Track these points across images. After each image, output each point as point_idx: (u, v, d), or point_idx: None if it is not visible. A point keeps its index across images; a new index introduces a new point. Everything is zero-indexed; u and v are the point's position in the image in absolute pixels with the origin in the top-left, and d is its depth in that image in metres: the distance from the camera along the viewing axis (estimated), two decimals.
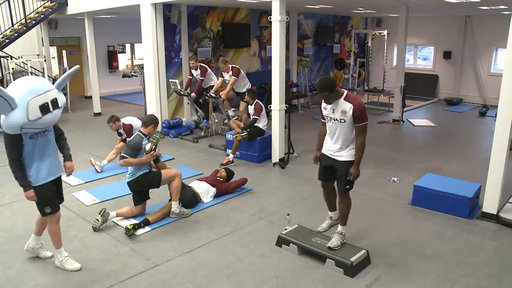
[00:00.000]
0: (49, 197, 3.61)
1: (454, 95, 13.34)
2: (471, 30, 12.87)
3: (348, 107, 3.60)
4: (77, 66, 3.79)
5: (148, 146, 4.58)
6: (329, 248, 3.86)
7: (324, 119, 3.89)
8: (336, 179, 3.87)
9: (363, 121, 3.62)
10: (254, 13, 10.97)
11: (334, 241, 3.90)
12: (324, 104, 3.80)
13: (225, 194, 5.49)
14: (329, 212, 4.16)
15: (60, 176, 3.76)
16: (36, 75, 10.76)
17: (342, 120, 3.65)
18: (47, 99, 3.31)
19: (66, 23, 13.02)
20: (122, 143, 6.56)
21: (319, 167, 3.99)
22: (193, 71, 8.64)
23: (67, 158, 3.84)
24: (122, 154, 4.73)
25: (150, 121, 4.75)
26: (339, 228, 3.98)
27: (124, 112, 10.95)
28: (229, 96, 8.40)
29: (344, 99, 3.63)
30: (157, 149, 4.69)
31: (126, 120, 6.79)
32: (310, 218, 4.74)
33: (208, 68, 8.70)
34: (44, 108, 3.28)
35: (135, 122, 6.66)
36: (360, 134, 3.65)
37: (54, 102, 3.38)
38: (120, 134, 6.70)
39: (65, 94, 11.93)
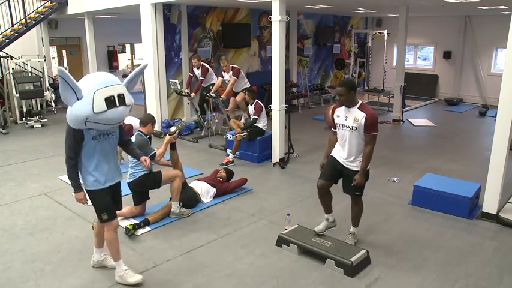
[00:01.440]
0: (106, 204, 3.44)
1: (454, 95, 13.34)
2: (471, 30, 12.87)
3: (361, 115, 3.71)
4: (146, 63, 3.61)
5: (173, 128, 4.83)
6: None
7: (334, 128, 3.98)
8: (346, 186, 3.99)
9: (373, 131, 3.74)
10: (254, 13, 10.97)
11: (348, 242, 4.05)
12: (337, 112, 3.89)
13: (225, 194, 5.49)
14: (325, 214, 4.17)
15: (119, 183, 3.58)
16: (35, 75, 10.76)
17: (353, 128, 3.75)
18: (114, 92, 3.11)
19: (66, 23, 13.01)
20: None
21: (324, 166, 4.03)
22: (194, 69, 8.64)
23: (141, 154, 3.74)
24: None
25: (148, 120, 4.81)
26: (352, 229, 4.16)
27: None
28: (242, 97, 8.35)
29: (358, 108, 3.76)
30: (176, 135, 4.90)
31: (126, 120, 6.76)
32: (310, 218, 4.74)
33: (209, 68, 8.70)
34: (110, 102, 3.07)
35: (134, 122, 6.61)
36: (368, 144, 3.76)
37: (121, 98, 3.16)
38: None
39: None
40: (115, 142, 3.48)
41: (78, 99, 3.03)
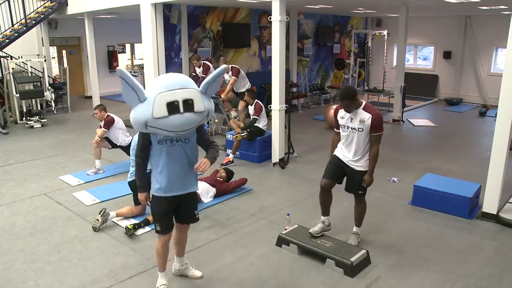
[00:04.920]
0: (163, 214, 3.22)
1: (454, 95, 13.34)
2: (471, 30, 12.87)
3: (367, 116, 3.72)
4: (224, 65, 3.32)
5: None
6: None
7: (337, 128, 3.98)
8: (350, 185, 4.00)
9: (379, 131, 3.76)
10: (254, 13, 10.97)
11: (352, 242, 4.08)
12: (341, 114, 3.88)
13: (225, 194, 5.49)
14: (322, 217, 4.13)
15: (189, 195, 3.26)
16: (35, 75, 10.76)
17: (359, 129, 3.76)
18: (178, 97, 2.79)
19: (66, 23, 13.02)
20: (100, 130, 6.29)
21: (328, 166, 4.03)
22: (196, 69, 8.66)
23: (207, 155, 3.27)
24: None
25: None
26: (355, 229, 4.18)
27: (124, 112, 10.96)
28: (229, 97, 8.41)
29: (363, 109, 3.76)
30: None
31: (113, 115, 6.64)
32: (310, 218, 4.74)
33: (210, 66, 8.71)
34: (173, 107, 2.77)
35: (118, 120, 6.50)
36: (375, 144, 3.78)
37: (188, 104, 2.82)
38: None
39: (65, 94, 12.09)
40: (191, 150, 3.15)
41: (140, 101, 2.82)
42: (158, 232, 3.28)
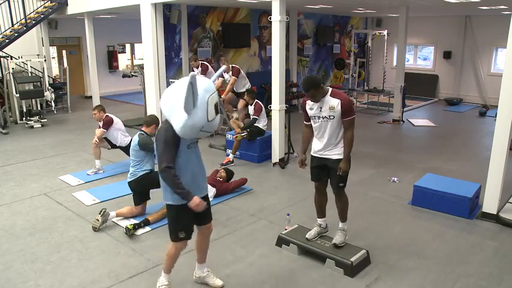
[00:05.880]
0: (188, 221, 3.18)
1: (454, 95, 13.34)
2: (471, 30, 12.87)
3: (336, 102, 3.59)
4: (224, 66, 3.40)
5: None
6: (334, 245, 3.87)
7: (307, 121, 3.85)
8: (330, 177, 3.85)
9: (350, 115, 3.62)
10: (254, 13, 10.97)
11: (339, 238, 3.91)
12: (309, 105, 3.74)
13: (225, 194, 5.49)
14: (318, 219, 4.09)
15: (206, 197, 3.27)
16: (36, 75, 10.76)
17: (330, 117, 3.64)
18: (216, 99, 2.96)
19: (66, 23, 13.02)
20: (99, 130, 6.30)
21: (310, 168, 3.94)
22: (194, 69, 8.67)
23: None
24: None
25: (152, 121, 4.91)
26: (341, 225, 3.97)
27: (124, 112, 10.97)
28: (229, 98, 8.41)
29: (330, 95, 3.63)
30: None
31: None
32: (310, 218, 4.73)
33: (209, 66, 8.71)
34: (217, 109, 2.93)
35: (117, 120, 6.50)
36: (348, 129, 3.64)
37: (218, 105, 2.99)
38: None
39: (65, 94, 12.10)
40: (200, 152, 3.22)
41: (194, 107, 2.80)
42: (182, 239, 3.20)
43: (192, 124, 2.82)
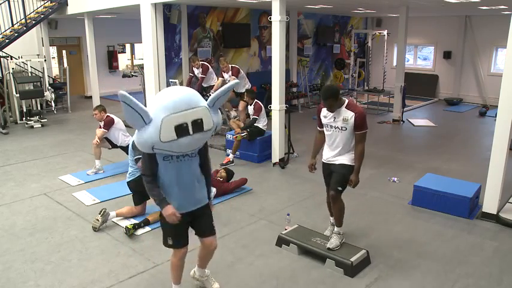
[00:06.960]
0: (172, 228, 3.03)
1: (454, 95, 13.34)
2: (471, 30, 12.87)
3: (350, 115, 3.65)
4: (236, 81, 3.27)
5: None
6: (328, 249, 3.87)
7: (320, 127, 3.92)
8: (330, 178, 3.89)
9: (363, 129, 3.68)
10: (254, 13, 10.97)
11: (333, 242, 3.92)
12: (324, 113, 3.81)
13: (225, 194, 5.49)
14: (330, 218, 4.16)
15: (202, 208, 3.15)
16: (35, 75, 10.76)
17: (343, 128, 3.69)
18: (187, 119, 2.63)
19: (66, 23, 13.02)
20: (100, 130, 6.29)
21: (323, 175, 4.02)
22: (194, 69, 8.67)
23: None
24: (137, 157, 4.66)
25: None
26: (336, 229, 4.01)
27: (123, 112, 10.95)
28: (229, 97, 8.40)
29: (346, 107, 3.68)
30: None
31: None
32: (310, 218, 4.74)
33: (209, 67, 8.72)
34: (181, 130, 2.62)
35: (118, 120, 6.50)
36: (360, 142, 3.70)
37: (197, 124, 2.67)
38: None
39: (65, 94, 12.09)
40: (196, 164, 2.99)
41: (146, 123, 2.61)
42: (171, 246, 3.11)
43: (140, 141, 2.69)
